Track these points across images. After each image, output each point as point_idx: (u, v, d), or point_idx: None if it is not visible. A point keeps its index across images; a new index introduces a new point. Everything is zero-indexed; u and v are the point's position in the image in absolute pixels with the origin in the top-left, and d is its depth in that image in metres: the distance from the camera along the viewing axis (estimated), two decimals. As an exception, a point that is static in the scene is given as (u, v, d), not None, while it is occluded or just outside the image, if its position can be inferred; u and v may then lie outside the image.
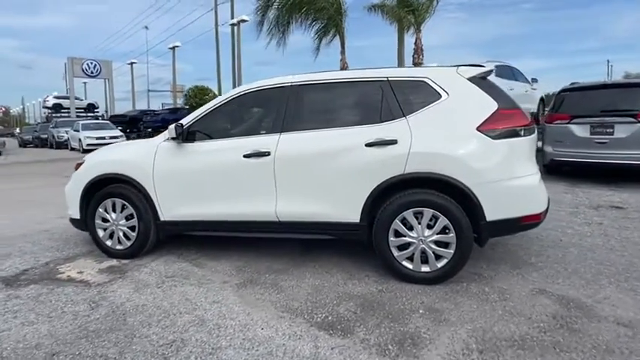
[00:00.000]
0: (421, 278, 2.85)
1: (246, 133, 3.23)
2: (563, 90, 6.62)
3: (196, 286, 2.93)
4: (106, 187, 3.50)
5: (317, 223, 3.04)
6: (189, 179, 3.29)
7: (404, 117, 2.87)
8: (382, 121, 2.90)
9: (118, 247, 3.52)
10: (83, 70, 20.99)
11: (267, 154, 3.05)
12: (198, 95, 22.68)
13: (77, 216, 3.63)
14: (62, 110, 25.84)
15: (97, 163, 3.61)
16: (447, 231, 2.76)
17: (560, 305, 2.52)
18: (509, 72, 8.30)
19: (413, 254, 2.85)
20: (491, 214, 2.72)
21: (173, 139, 3.26)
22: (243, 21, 18.04)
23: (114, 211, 3.49)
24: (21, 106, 74.19)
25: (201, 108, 3.44)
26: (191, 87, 24.73)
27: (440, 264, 2.81)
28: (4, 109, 75.33)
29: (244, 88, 3.38)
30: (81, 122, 18.21)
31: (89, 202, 3.55)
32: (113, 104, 29.54)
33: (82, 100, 25.60)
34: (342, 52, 11.13)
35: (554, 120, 6.34)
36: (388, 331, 2.27)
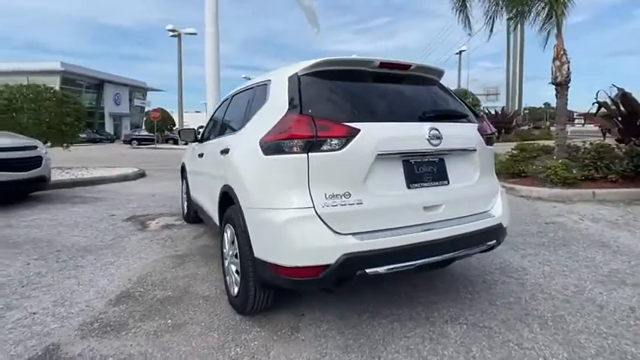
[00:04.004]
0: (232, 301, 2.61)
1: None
2: None
3: (138, 241, 4.12)
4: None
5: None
6: (195, 170, 4.29)
7: (245, 124, 2.67)
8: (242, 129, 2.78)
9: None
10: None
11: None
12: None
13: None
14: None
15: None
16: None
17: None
18: None
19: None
20: (257, 250, 2.15)
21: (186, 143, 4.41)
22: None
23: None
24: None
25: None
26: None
27: (236, 290, 2.47)
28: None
29: (230, 93, 3.82)
30: None
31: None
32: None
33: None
34: (558, 36, 7.54)
35: None
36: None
